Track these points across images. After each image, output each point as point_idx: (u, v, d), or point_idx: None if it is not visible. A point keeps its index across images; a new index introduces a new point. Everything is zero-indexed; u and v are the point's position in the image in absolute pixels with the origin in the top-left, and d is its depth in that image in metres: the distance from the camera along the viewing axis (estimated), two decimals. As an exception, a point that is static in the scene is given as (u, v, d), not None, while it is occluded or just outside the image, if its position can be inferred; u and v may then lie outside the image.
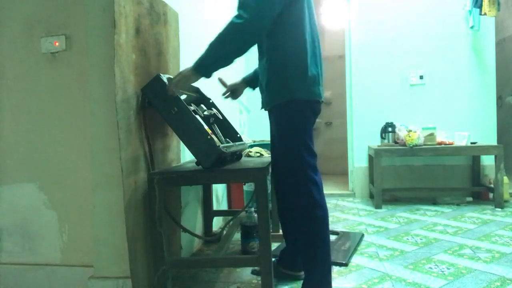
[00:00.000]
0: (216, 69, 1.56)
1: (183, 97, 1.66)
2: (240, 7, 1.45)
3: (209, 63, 1.52)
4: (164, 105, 1.62)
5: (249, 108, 1.94)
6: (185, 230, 1.80)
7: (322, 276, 1.60)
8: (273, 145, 1.85)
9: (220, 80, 2.04)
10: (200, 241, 2.45)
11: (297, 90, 1.58)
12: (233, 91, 2.05)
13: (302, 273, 1.87)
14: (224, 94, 2.08)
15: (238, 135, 2.05)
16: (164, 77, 1.64)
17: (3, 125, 1.86)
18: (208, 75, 1.56)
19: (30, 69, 1.82)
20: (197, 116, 1.68)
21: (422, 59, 3.85)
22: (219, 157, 1.61)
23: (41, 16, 1.80)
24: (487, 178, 3.71)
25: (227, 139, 1.95)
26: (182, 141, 1.65)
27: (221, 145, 1.65)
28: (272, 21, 1.51)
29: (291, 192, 1.66)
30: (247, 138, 3.15)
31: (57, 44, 1.78)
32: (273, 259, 1.67)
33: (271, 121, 1.75)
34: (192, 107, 1.74)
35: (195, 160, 1.66)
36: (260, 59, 1.73)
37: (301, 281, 1.83)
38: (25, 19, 1.82)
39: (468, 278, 1.88)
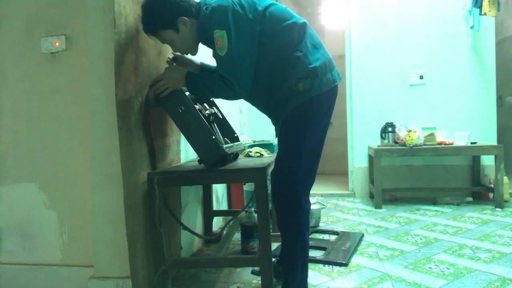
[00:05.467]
0: (200, 95, 1.78)
1: (186, 93, 1.67)
2: (232, 76, 1.52)
3: (198, 88, 1.63)
4: (171, 103, 1.64)
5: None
6: (186, 228, 1.80)
7: (302, 280, 1.67)
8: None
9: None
10: (200, 241, 2.45)
11: (312, 88, 1.55)
12: (182, 62, 1.79)
13: None
14: (172, 56, 1.80)
15: (235, 135, 2.06)
16: None
17: (3, 125, 1.86)
18: (191, 92, 1.69)
19: (30, 69, 1.82)
20: (202, 115, 1.69)
21: (422, 59, 3.85)
22: (221, 157, 1.63)
23: (41, 16, 1.80)
24: (487, 178, 3.70)
25: (225, 139, 1.96)
26: (187, 139, 1.66)
27: (224, 146, 1.66)
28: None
29: (279, 193, 1.62)
30: (247, 138, 3.16)
31: (57, 44, 1.78)
32: (273, 259, 1.68)
33: (280, 133, 1.68)
34: (197, 106, 1.75)
35: (195, 159, 1.66)
36: (262, 100, 1.70)
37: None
38: (25, 19, 1.81)
39: (468, 278, 1.88)
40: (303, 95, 1.56)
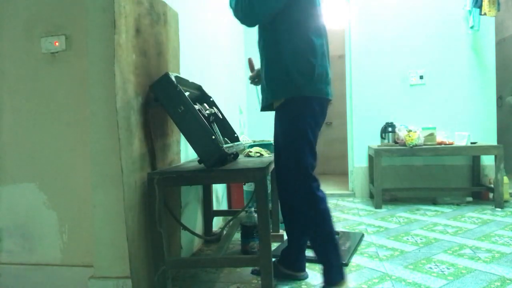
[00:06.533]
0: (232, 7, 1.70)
1: (186, 94, 1.67)
2: None
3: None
4: (171, 103, 1.64)
5: (260, 101, 1.90)
6: (186, 228, 1.80)
7: (337, 263, 1.69)
8: (276, 145, 1.86)
9: (250, 62, 2.01)
10: (200, 241, 2.45)
11: (304, 86, 1.63)
12: (258, 77, 1.97)
13: (303, 273, 1.89)
14: (251, 78, 1.99)
15: (235, 135, 2.06)
16: (173, 76, 1.66)
17: (3, 125, 1.86)
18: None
19: (30, 69, 1.82)
20: (202, 115, 1.69)
21: (422, 59, 3.85)
22: (220, 157, 1.63)
23: (41, 16, 1.80)
24: (487, 178, 3.71)
25: (225, 139, 1.96)
26: (187, 140, 1.67)
27: (224, 146, 1.66)
28: (273, 16, 1.62)
29: (292, 191, 1.70)
30: (247, 138, 3.16)
31: (57, 44, 1.78)
32: (273, 259, 1.68)
33: (276, 120, 1.77)
34: (197, 106, 1.76)
35: (195, 159, 1.66)
36: (260, 56, 1.77)
37: (300, 281, 1.85)
38: (25, 19, 1.81)
39: (468, 278, 1.88)
40: (294, 90, 1.63)
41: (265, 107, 1.81)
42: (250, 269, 2.00)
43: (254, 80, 1.98)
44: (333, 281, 1.66)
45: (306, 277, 1.91)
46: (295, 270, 1.89)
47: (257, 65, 1.91)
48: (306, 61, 1.63)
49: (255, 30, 1.79)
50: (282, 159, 1.74)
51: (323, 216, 1.68)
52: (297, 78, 1.63)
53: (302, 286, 1.83)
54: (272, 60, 1.69)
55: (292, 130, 1.68)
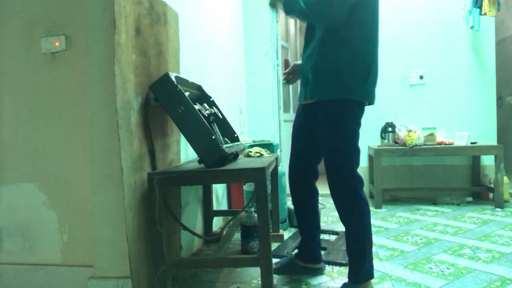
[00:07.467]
0: (293, 14, 1.73)
1: (186, 94, 1.68)
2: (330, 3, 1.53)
3: (292, 8, 1.66)
4: (171, 103, 1.65)
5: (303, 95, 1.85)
6: (186, 228, 1.80)
7: (370, 262, 1.72)
8: (298, 139, 1.87)
9: (286, 63, 2.02)
10: (200, 241, 2.45)
11: (356, 90, 1.62)
12: (293, 73, 1.95)
13: (320, 265, 1.94)
14: (284, 74, 1.99)
15: (235, 135, 2.06)
16: (173, 76, 1.66)
17: (3, 125, 1.86)
18: (286, 7, 1.68)
19: (30, 69, 1.82)
20: (202, 115, 1.69)
21: (422, 59, 3.85)
22: (221, 157, 1.63)
23: (41, 16, 1.79)
24: (487, 178, 3.71)
25: (225, 139, 1.96)
26: (187, 140, 1.67)
27: (224, 146, 1.66)
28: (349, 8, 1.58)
29: (336, 190, 1.71)
30: (247, 138, 3.16)
31: (57, 44, 1.77)
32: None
33: (314, 115, 1.74)
34: (197, 106, 1.76)
35: (196, 159, 1.66)
36: (310, 48, 1.74)
37: (301, 281, 1.86)
38: (25, 19, 1.81)
39: (468, 278, 1.88)
40: (345, 93, 1.61)
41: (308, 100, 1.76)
42: (250, 269, 2.00)
43: (289, 77, 1.95)
44: (364, 278, 1.70)
45: (324, 268, 1.96)
46: (314, 262, 1.93)
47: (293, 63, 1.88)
48: (364, 64, 1.62)
49: (254, 30, 1.79)
50: (326, 161, 1.73)
51: (366, 218, 1.70)
52: (349, 80, 1.61)
53: (302, 286, 1.83)
54: (326, 55, 1.65)
55: (336, 132, 1.66)
